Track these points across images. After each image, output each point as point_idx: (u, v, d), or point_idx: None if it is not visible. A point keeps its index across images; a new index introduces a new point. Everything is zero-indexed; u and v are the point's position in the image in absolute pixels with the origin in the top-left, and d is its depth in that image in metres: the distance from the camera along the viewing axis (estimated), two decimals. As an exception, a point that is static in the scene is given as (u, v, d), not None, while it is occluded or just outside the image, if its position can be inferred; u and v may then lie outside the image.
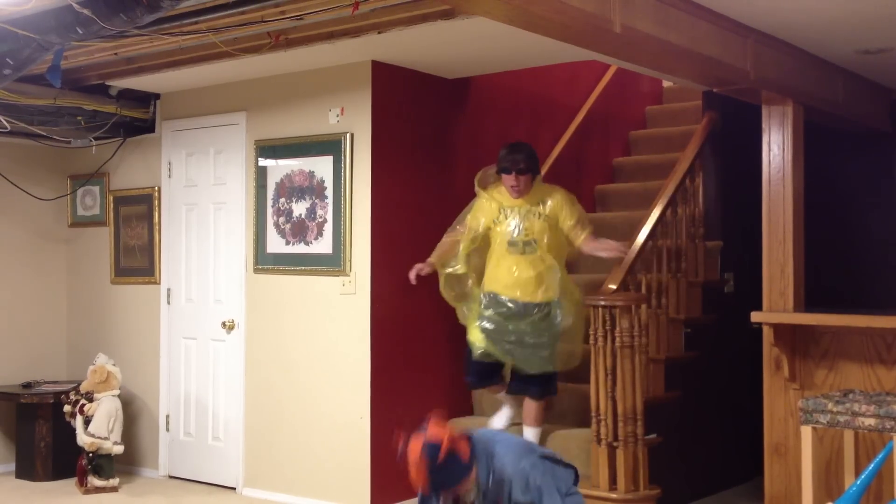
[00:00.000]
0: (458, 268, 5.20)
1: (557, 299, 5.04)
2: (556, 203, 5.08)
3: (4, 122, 5.73)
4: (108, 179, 6.89)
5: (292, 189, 5.82)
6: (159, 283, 6.56)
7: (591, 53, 4.71)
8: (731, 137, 6.05)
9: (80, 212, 7.07)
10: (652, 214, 5.49)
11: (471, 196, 6.09)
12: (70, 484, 6.25)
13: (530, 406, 5.20)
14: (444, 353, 5.84)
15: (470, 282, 5.25)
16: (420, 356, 5.72)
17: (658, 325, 5.45)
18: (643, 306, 5.21)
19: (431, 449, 3.36)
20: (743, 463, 5.99)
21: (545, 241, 5.05)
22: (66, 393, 6.28)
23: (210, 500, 5.93)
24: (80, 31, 4.14)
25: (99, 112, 6.20)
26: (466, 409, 5.95)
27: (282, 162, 5.89)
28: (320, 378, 5.68)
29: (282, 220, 5.87)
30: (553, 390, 5.23)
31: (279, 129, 5.92)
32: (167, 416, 6.49)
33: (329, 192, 5.63)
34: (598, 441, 4.94)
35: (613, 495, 4.86)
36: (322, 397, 5.66)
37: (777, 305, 5.10)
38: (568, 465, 3.75)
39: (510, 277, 5.06)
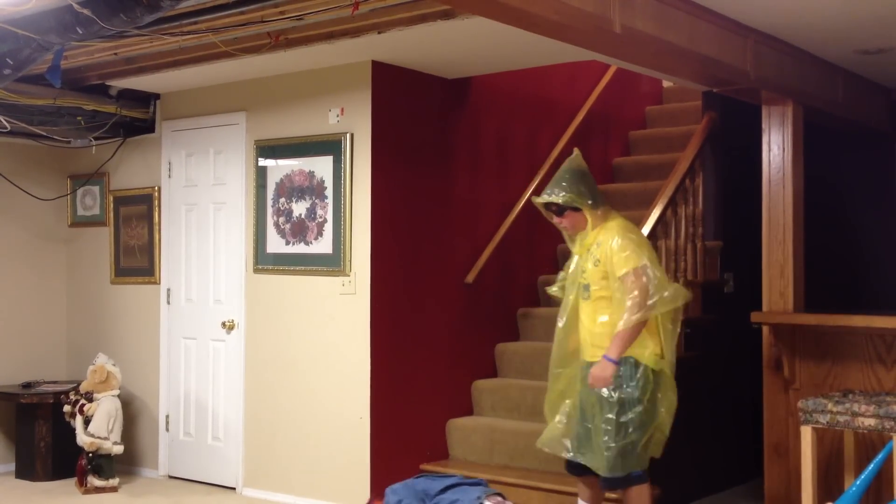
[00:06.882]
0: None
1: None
2: (605, 248, 4.13)
3: (4, 122, 5.73)
4: (108, 179, 6.89)
5: (292, 189, 5.82)
6: (159, 283, 6.56)
7: (591, 53, 4.71)
8: (731, 137, 6.04)
9: (80, 212, 7.07)
10: (652, 214, 5.49)
11: (470, 196, 6.12)
12: (70, 484, 6.25)
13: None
14: (444, 353, 5.84)
15: None
16: (420, 356, 5.72)
17: (658, 325, 5.44)
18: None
19: None
20: (743, 463, 5.99)
21: (601, 289, 4.14)
22: (66, 393, 6.28)
23: (210, 500, 5.93)
24: (80, 31, 4.13)
25: (99, 112, 6.20)
26: (466, 410, 5.96)
27: (282, 162, 5.89)
28: (320, 378, 5.68)
29: (282, 220, 5.87)
30: (624, 482, 4.15)
31: (279, 129, 5.92)
32: (167, 416, 6.49)
33: (329, 192, 5.63)
34: (598, 441, 4.93)
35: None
36: (322, 397, 5.66)
37: (777, 305, 5.10)
38: None
39: (582, 330, 4.27)
